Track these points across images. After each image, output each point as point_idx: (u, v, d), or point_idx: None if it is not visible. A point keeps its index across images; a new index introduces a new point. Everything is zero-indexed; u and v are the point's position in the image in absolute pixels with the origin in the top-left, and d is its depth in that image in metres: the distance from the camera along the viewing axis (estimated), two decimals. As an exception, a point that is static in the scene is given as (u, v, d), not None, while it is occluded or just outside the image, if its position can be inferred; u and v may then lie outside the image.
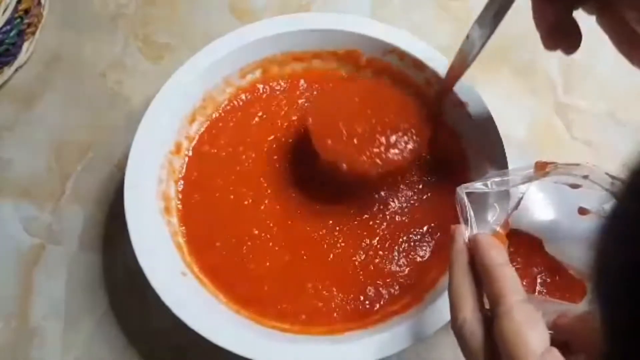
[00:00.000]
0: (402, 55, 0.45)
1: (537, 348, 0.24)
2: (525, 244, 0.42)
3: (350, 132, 0.39)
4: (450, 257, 0.31)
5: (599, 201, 0.36)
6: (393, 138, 0.39)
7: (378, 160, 0.39)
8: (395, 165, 0.39)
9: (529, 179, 0.33)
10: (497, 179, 0.33)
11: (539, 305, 0.27)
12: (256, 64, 0.46)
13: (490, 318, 0.27)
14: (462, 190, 0.32)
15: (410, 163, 0.40)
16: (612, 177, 0.34)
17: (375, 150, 0.39)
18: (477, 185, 0.33)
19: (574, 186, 0.36)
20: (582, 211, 0.38)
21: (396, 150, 0.39)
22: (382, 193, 0.44)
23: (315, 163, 0.41)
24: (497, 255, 0.28)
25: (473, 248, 0.30)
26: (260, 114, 0.46)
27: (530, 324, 0.25)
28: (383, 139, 0.39)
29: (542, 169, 0.33)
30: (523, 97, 0.51)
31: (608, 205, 0.35)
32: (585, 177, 0.34)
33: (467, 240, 0.31)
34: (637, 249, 0.14)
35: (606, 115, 0.50)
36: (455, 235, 0.31)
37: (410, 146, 0.39)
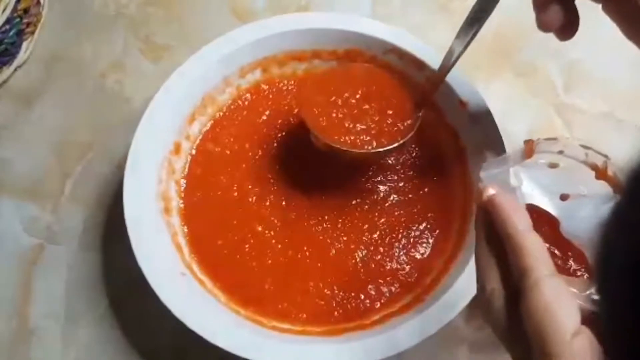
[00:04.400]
0: (402, 54, 0.45)
1: (567, 328, 0.22)
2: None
3: (341, 115, 0.41)
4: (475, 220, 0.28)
5: (574, 184, 0.36)
6: (379, 121, 0.41)
7: (366, 140, 0.40)
8: (382, 146, 0.40)
9: (520, 160, 0.33)
10: (496, 169, 0.32)
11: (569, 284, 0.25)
12: (256, 64, 0.46)
13: (517, 291, 0.25)
14: (482, 173, 0.30)
15: (396, 146, 0.41)
16: (586, 147, 0.34)
17: (364, 134, 0.40)
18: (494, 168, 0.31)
19: (553, 165, 0.36)
20: (563, 196, 0.38)
21: (384, 132, 0.40)
22: (383, 189, 0.44)
23: (311, 148, 0.42)
24: (519, 220, 0.26)
25: (491, 212, 0.27)
26: (267, 112, 0.47)
27: (559, 301, 0.23)
28: (372, 123, 0.41)
29: (530, 147, 0.33)
30: (523, 97, 0.51)
31: (585, 189, 0.36)
32: (560, 152, 0.34)
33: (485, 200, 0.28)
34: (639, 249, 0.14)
35: (606, 115, 0.50)
36: (481, 196, 0.27)
37: (396, 128, 0.41)
